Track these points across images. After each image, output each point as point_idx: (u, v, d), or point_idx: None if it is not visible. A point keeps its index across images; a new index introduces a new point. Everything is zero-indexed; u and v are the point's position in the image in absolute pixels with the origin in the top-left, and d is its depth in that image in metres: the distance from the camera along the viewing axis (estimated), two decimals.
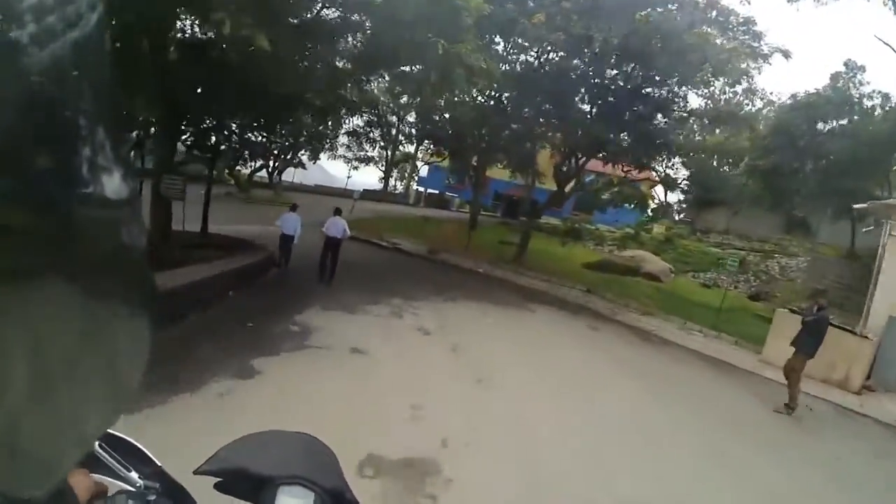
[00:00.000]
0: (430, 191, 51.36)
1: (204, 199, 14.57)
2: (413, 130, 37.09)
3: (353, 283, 11.68)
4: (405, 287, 12.21)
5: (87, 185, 0.37)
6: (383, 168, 48.75)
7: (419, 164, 50.73)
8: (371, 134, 44.39)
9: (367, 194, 43.78)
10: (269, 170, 35.68)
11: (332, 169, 61.80)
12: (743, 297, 21.06)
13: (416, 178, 53.50)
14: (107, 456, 0.75)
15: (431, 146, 30.18)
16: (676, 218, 45.28)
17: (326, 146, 41.82)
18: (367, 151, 46.43)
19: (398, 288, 11.99)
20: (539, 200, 39.35)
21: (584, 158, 18.51)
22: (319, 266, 11.76)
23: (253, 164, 32.32)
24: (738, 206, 36.26)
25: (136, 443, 0.83)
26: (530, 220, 19.87)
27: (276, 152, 33.92)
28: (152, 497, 0.78)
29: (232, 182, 31.95)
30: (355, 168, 46.45)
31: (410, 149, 48.05)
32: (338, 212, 12.10)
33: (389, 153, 47.69)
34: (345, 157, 45.81)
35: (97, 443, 0.73)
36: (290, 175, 42.76)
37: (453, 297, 12.14)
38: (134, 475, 0.78)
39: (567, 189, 19.39)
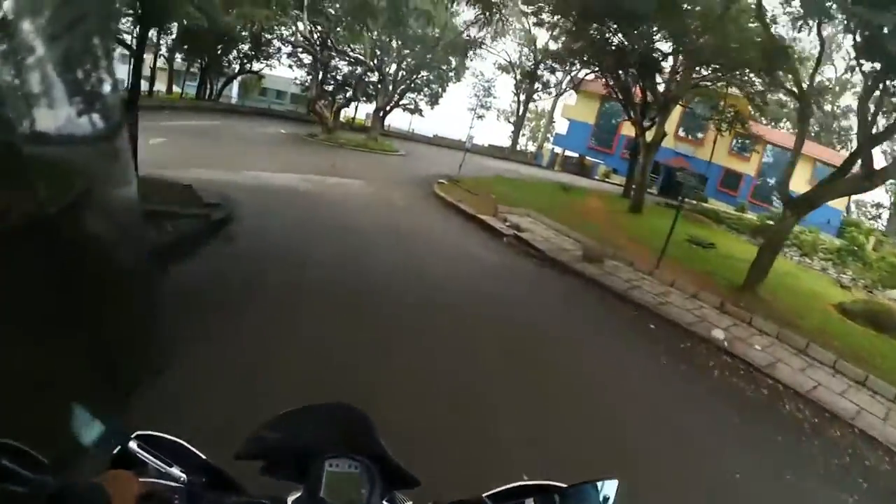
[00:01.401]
0: (567, 152, 41.69)
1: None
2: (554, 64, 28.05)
3: None
4: None
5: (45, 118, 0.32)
6: (513, 121, 39.99)
7: (557, 116, 41.38)
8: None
9: (491, 150, 35.58)
10: (377, 111, 28.33)
11: (457, 121, 53.87)
12: None
13: (552, 135, 44.06)
14: (146, 454, 0.77)
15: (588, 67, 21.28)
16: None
17: (446, 88, 34.32)
18: (494, 97, 38.01)
19: None
20: (707, 176, 28.95)
21: None
22: None
23: (343, 98, 25.36)
24: None
25: (176, 439, 0.82)
26: (793, 216, 10.17)
27: (378, 87, 26.69)
28: (197, 489, 0.78)
29: (316, 120, 25.22)
30: (480, 118, 38.11)
31: (547, 103, 38.94)
32: None
33: (522, 101, 38.79)
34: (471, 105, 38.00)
35: (136, 442, 0.76)
36: (407, 122, 35.87)
37: None
38: (176, 470, 0.79)
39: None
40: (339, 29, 24.18)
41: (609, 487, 0.78)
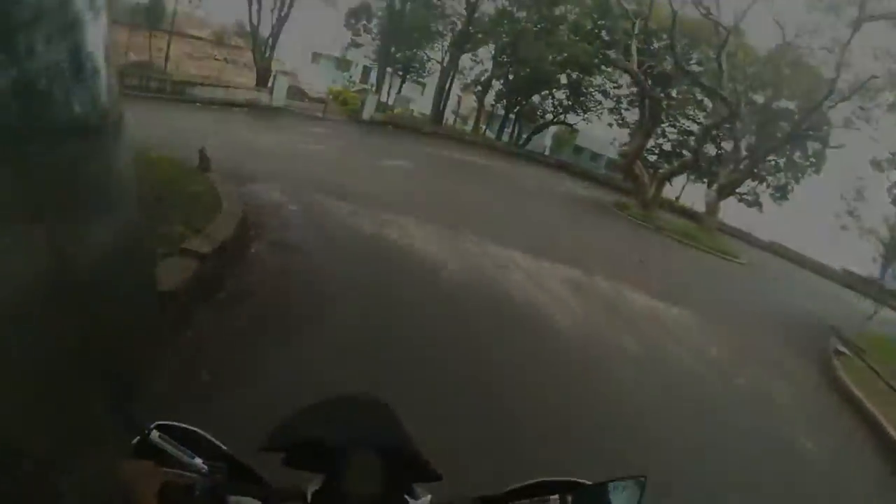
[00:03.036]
0: None
1: None
2: None
3: None
4: None
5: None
6: (886, 242, 28.16)
7: None
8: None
9: (849, 279, 24.61)
10: (720, 192, 21.10)
11: (801, 227, 38.54)
12: None
13: None
14: (168, 445, 0.77)
15: None
16: None
17: (800, 180, 25.85)
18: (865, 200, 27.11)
19: None
20: None
21: None
22: None
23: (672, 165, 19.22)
24: None
25: (197, 430, 0.82)
26: None
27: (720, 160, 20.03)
28: (220, 479, 0.77)
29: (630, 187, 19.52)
30: (842, 228, 27.21)
31: None
32: None
33: None
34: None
35: (157, 433, 0.76)
36: (738, 217, 27.38)
37: None
38: (198, 461, 0.78)
39: None
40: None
41: (635, 486, 0.74)
